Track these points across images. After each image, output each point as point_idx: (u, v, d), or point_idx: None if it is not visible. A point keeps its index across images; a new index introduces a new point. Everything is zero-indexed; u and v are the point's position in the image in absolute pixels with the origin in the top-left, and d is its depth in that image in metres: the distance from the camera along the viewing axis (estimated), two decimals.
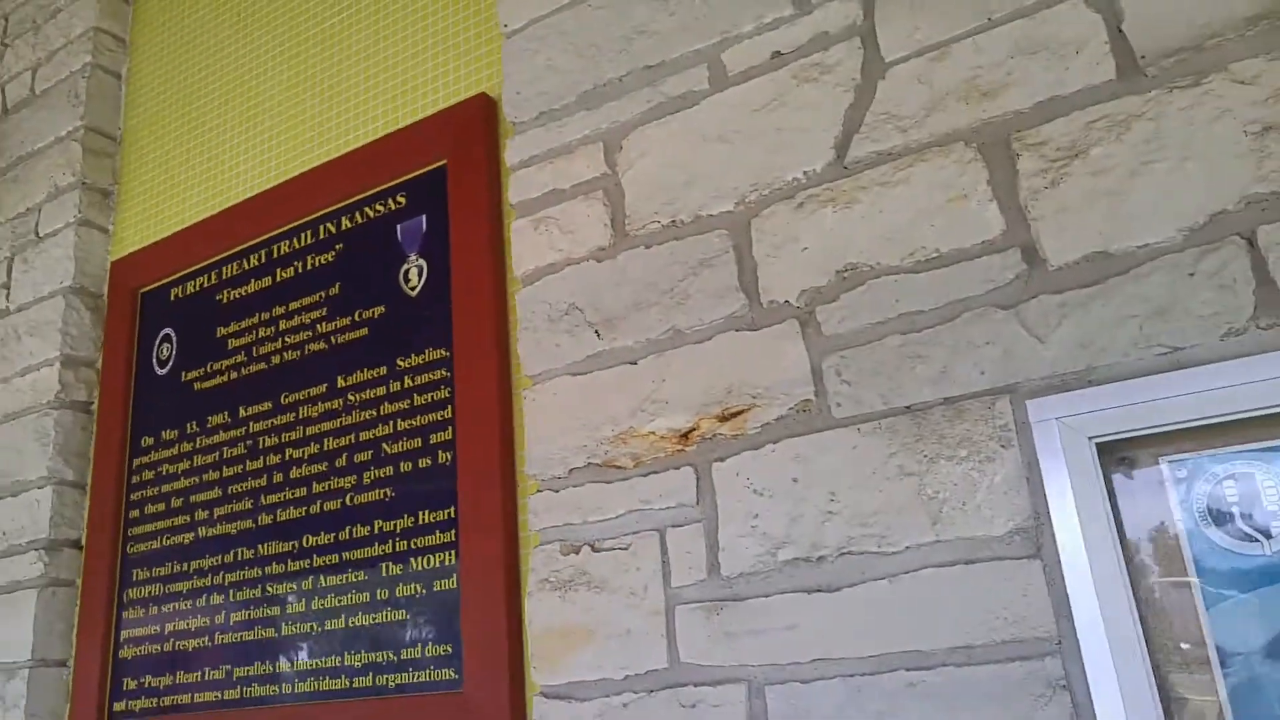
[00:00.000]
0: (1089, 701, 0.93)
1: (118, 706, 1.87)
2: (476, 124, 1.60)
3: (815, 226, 1.19)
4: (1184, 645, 0.93)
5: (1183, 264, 0.96)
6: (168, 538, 1.90)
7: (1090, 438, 0.98)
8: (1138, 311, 0.98)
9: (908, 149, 1.14)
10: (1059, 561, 0.97)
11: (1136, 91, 1.02)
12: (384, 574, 1.57)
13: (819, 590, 1.10)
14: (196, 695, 1.77)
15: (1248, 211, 0.94)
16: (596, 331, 1.34)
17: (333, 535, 1.65)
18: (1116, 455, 1.00)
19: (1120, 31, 1.04)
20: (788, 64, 1.25)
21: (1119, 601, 0.94)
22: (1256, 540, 0.92)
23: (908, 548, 1.05)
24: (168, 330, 2.03)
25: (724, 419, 1.21)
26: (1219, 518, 0.94)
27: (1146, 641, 0.94)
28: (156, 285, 2.08)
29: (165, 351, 2.02)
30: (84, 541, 2.02)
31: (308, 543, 1.69)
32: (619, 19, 1.42)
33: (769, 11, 1.28)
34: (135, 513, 1.97)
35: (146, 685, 1.84)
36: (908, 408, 1.08)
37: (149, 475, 1.97)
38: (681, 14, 1.36)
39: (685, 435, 1.23)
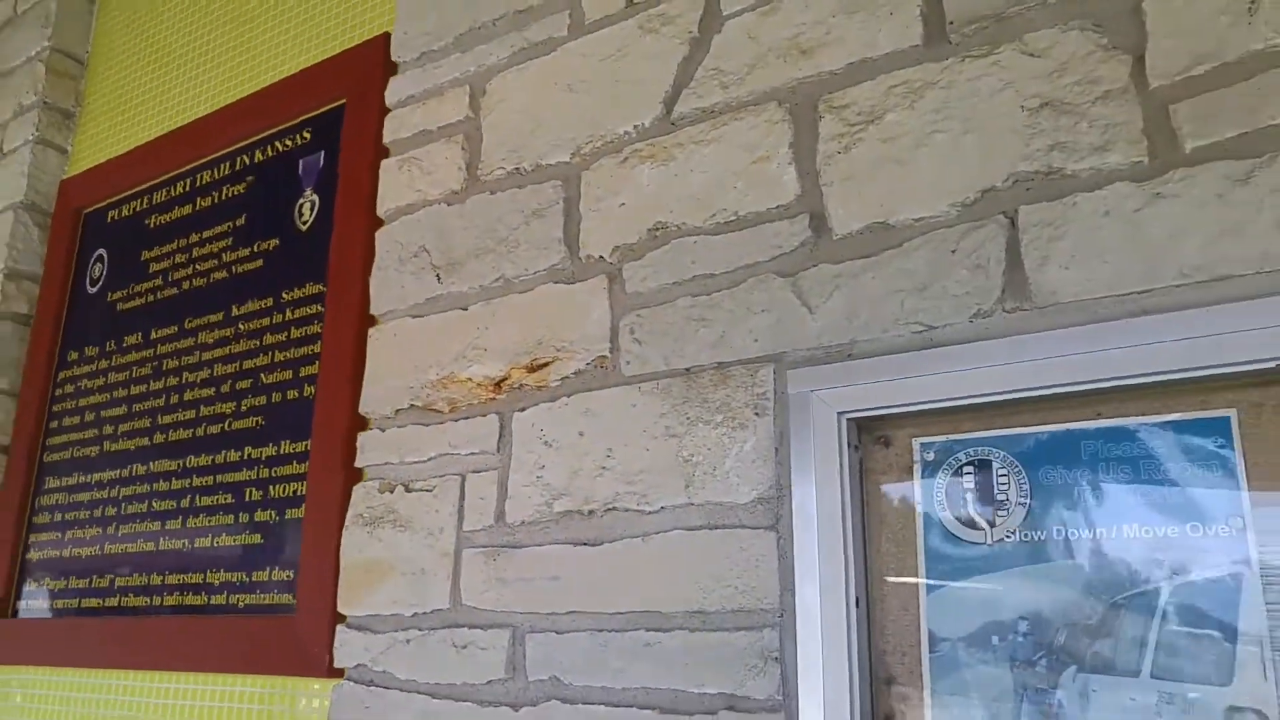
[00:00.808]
0: (794, 677, 0.92)
1: (19, 605, 1.97)
2: (375, 64, 1.63)
3: (634, 182, 1.19)
4: (897, 629, 0.92)
5: (948, 240, 0.94)
6: (78, 449, 1.99)
7: (840, 413, 0.97)
8: (903, 286, 0.96)
9: (727, 106, 1.13)
10: (792, 535, 0.96)
11: (937, 59, 0.99)
12: (247, 498, 1.63)
13: (584, 544, 1.11)
14: (83, 601, 1.85)
15: (1014, 189, 0.91)
16: (438, 275, 1.36)
17: (210, 458, 1.71)
18: (876, 433, 0.98)
19: None
20: (637, 13, 1.25)
21: (837, 579, 0.93)
22: (980, 529, 0.90)
23: (663, 508, 1.05)
24: (101, 251, 2.12)
25: (531, 370, 1.22)
26: (955, 502, 0.92)
27: (863, 623, 0.93)
28: (97, 207, 2.17)
29: (98, 271, 2.11)
30: (8, 446, 2.12)
31: (190, 464, 1.75)
32: None
33: None
34: (54, 424, 2.06)
35: (44, 587, 1.93)
36: (686, 370, 1.08)
37: (69, 389, 2.06)
38: None
39: (498, 384, 1.25)
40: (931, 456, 0.95)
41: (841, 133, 1.03)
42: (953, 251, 0.93)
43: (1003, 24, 0.96)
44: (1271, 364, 0.77)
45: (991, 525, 0.90)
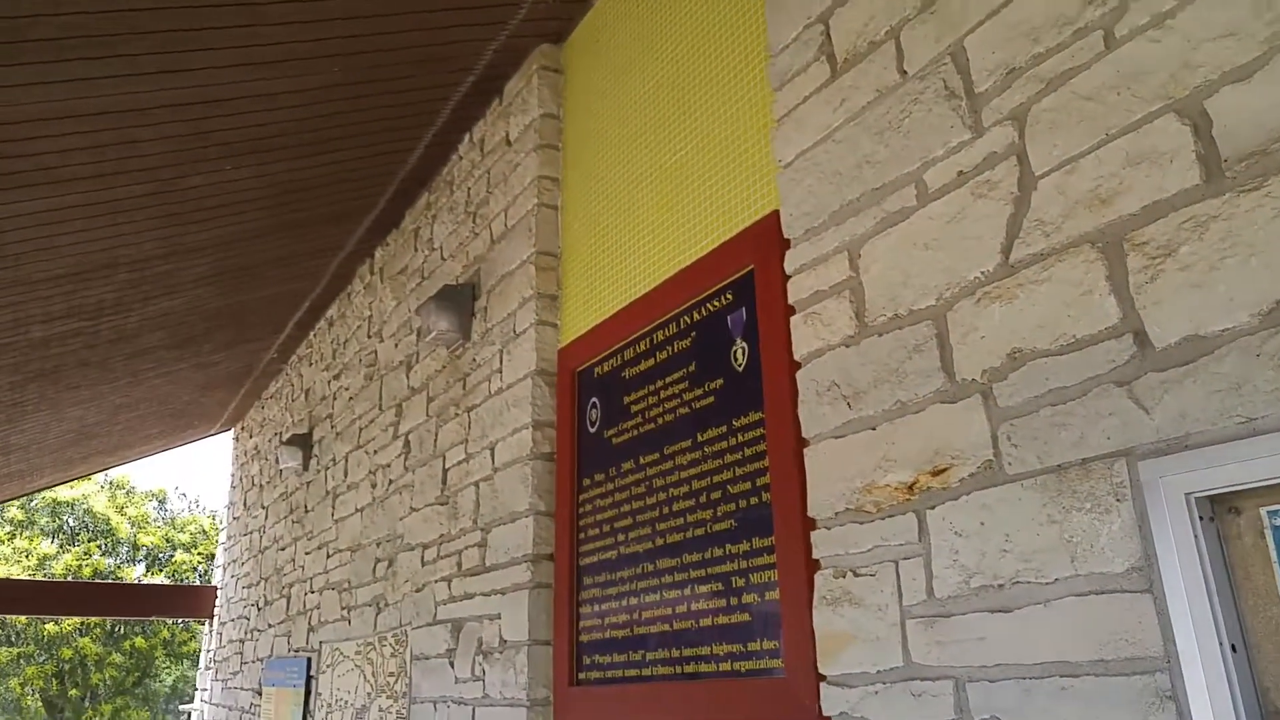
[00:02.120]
0: (1188, 711, 1.22)
1: (580, 675, 2.75)
2: (771, 236, 2.16)
3: (989, 318, 1.56)
4: (1276, 669, 1.17)
5: (1253, 345, 1.20)
6: (602, 554, 2.73)
7: (1188, 493, 1.25)
8: (1220, 387, 1.23)
9: (1051, 250, 1.47)
10: (1165, 595, 1.26)
11: (1217, 194, 1.26)
12: (733, 585, 2.20)
13: (999, 611, 1.48)
14: (625, 671, 2.55)
15: None
16: (848, 403, 1.82)
17: (700, 554, 2.32)
18: (1227, 505, 1.25)
19: (1212, 138, 1.28)
20: (967, 181, 1.63)
21: (1208, 628, 1.21)
22: None
23: (1056, 579, 1.40)
24: (594, 399, 2.89)
25: (934, 474, 1.63)
26: None
27: (1243, 664, 1.20)
28: (585, 366, 2.96)
29: (594, 415, 2.89)
30: (554, 555, 2.95)
31: (685, 560, 2.38)
32: (852, 151, 1.89)
33: (953, 137, 1.67)
34: (582, 535, 2.85)
35: (595, 661, 2.68)
36: (1057, 467, 1.42)
37: (588, 508, 2.83)
38: (894, 145, 1.79)
39: (910, 487, 1.67)
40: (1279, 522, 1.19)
41: (1146, 265, 1.33)
42: (1258, 355, 1.19)
43: (1269, 157, 1.21)
44: None
45: None
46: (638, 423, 2.66)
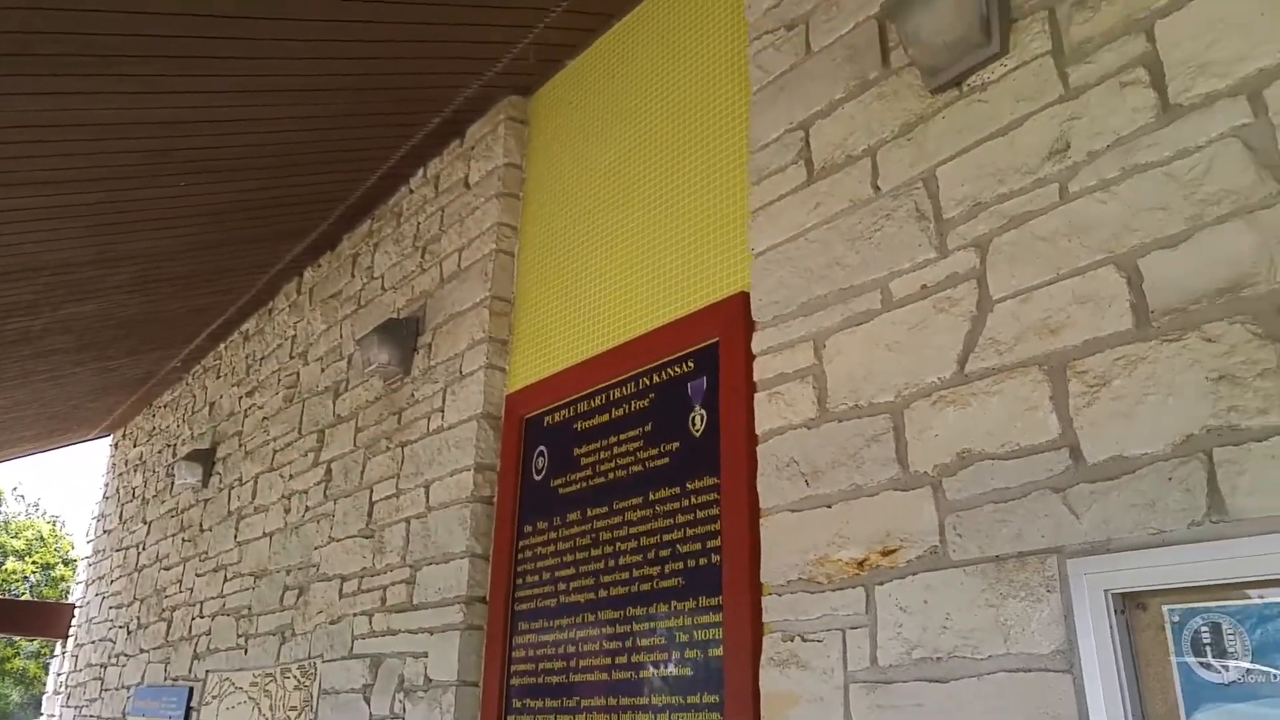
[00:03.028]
0: None
1: (509, 718, 2.91)
2: (737, 314, 2.41)
3: (943, 419, 1.83)
4: None
5: (1166, 470, 1.49)
6: (540, 601, 2.91)
7: (1105, 589, 1.53)
8: (1138, 502, 1.52)
9: (1003, 367, 1.75)
10: (1083, 675, 1.53)
11: (1145, 339, 1.56)
12: (677, 640, 2.41)
13: (937, 681, 1.73)
14: (557, 717, 2.73)
15: (1208, 436, 1.45)
16: (806, 480, 2.07)
17: (645, 609, 2.53)
18: (1135, 601, 1.54)
19: (1143, 291, 1.58)
20: (930, 295, 1.91)
21: (1117, 705, 1.48)
22: (1218, 671, 1.43)
23: (990, 656, 1.66)
24: (542, 447, 3.08)
25: (884, 554, 1.88)
26: (1198, 651, 1.45)
27: None
28: (535, 414, 3.15)
29: (540, 463, 3.07)
30: (488, 598, 3.11)
31: (629, 613, 2.58)
32: (824, 251, 2.15)
33: (920, 254, 1.95)
34: (520, 580, 3.02)
35: (526, 705, 2.85)
36: (996, 557, 1.69)
37: (528, 554, 3.01)
38: (864, 253, 2.06)
39: (860, 564, 1.92)
40: (1177, 619, 1.48)
41: (1084, 391, 1.62)
42: (1169, 478, 1.48)
43: (1187, 315, 1.51)
44: None
45: (1226, 668, 1.42)
46: (588, 475, 2.86)
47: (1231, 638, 1.42)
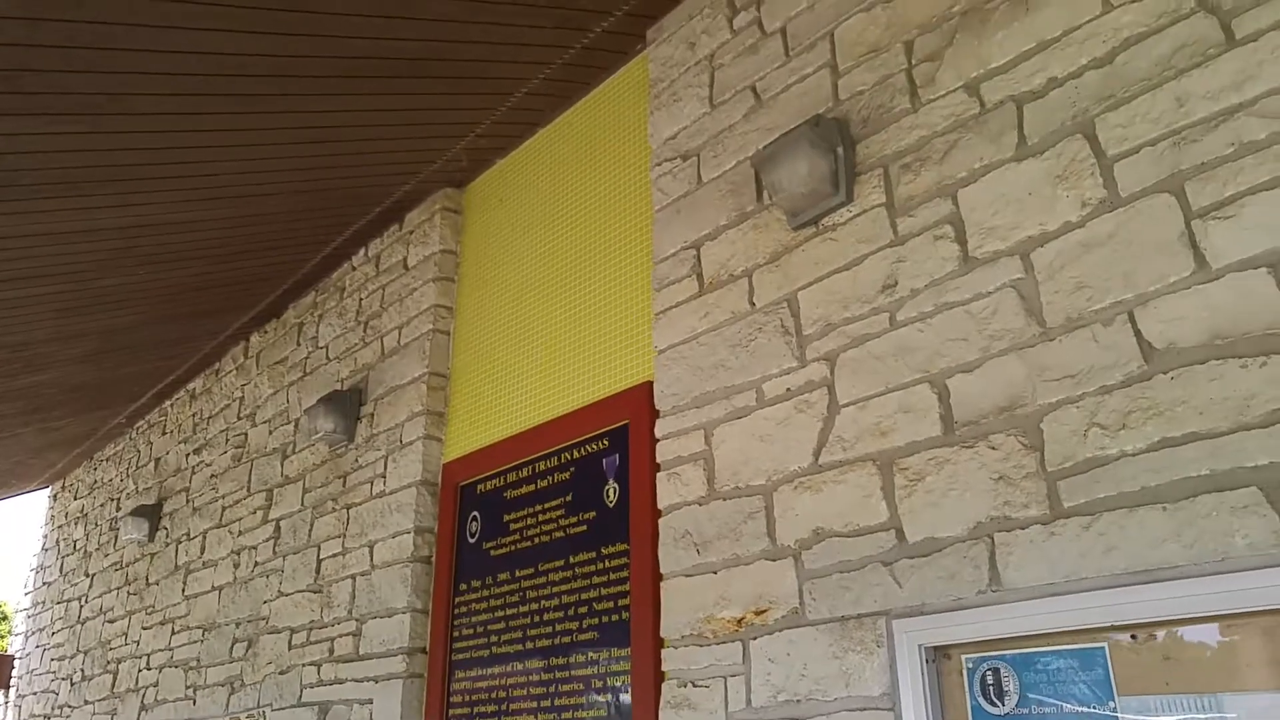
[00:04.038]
0: None
1: None
2: (644, 402, 2.81)
3: (802, 502, 2.24)
4: None
5: (961, 550, 1.91)
6: (474, 652, 3.26)
7: (919, 644, 1.94)
8: (943, 575, 1.93)
9: (846, 461, 2.17)
10: (902, 714, 1.94)
11: (950, 445, 1.98)
12: (593, 686, 2.78)
13: (795, 718, 2.13)
14: None
15: (991, 524, 1.88)
16: (697, 550, 2.46)
17: (565, 659, 2.90)
18: (942, 653, 1.95)
19: (950, 405, 2.01)
20: (793, 398, 2.32)
21: None
22: (998, 706, 1.84)
23: (835, 698, 2.06)
24: (475, 513, 3.44)
25: (757, 614, 2.28)
26: (985, 691, 1.86)
27: None
28: (469, 481, 3.50)
29: (474, 527, 3.43)
30: (428, 649, 3.44)
31: (552, 663, 2.94)
32: (711, 354, 2.56)
33: (785, 363, 2.37)
34: (456, 633, 3.36)
35: None
36: (841, 618, 2.10)
37: (463, 610, 3.35)
38: (744, 358, 2.48)
39: (739, 622, 2.32)
40: (971, 666, 1.90)
41: (906, 484, 2.04)
42: (965, 557, 1.90)
43: (979, 426, 1.94)
44: (1112, 623, 1.69)
45: (1003, 704, 1.83)
46: (516, 539, 3.23)
47: (1007, 680, 1.84)
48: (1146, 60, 1.88)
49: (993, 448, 1.92)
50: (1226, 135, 1.73)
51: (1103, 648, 1.73)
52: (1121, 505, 1.72)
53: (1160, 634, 1.69)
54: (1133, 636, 1.71)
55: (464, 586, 3.40)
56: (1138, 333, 1.77)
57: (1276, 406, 1.58)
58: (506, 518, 3.30)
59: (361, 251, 4.47)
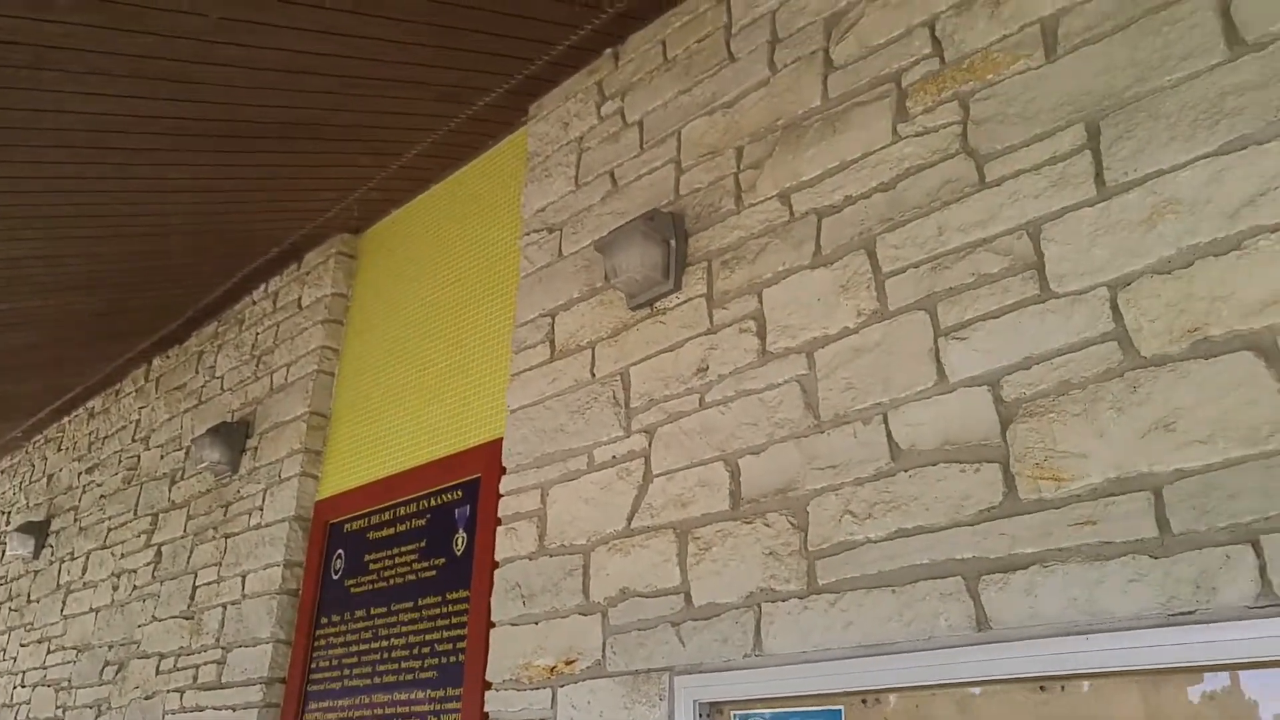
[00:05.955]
0: None
1: None
2: (495, 457, 3.01)
3: (614, 563, 2.45)
4: None
5: (732, 616, 2.13)
6: (328, 683, 3.40)
7: (695, 699, 2.16)
8: (716, 640, 2.16)
9: (653, 527, 2.39)
10: None
11: (735, 519, 2.21)
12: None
13: None
14: None
15: (760, 594, 2.11)
16: (524, 601, 2.66)
17: (408, 695, 3.06)
18: (716, 707, 2.17)
19: (739, 483, 2.24)
20: (616, 465, 2.54)
21: None
22: None
23: None
24: (340, 550, 3.60)
25: (567, 664, 2.48)
26: None
27: None
28: (338, 520, 3.67)
29: (338, 564, 3.58)
30: (286, 679, 3.58)
31: (395, 697, 3.11)
32: (554, 418, 2.78)
33: (613, 432, 2.59)
34: (314, 664, 3.51)
35: None
36: (634, 671, 2.30)
37: (323, 643, 3.50)
38: (579, 424, 2.70)
39: (551, 669, 2.51)
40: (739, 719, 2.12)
41: (697, 552, 2.26)
42: (737, 622, 2.13)
43: (760, 504, 2.17)
44: (847, 689, 1.92)
45: None
46: (374, 579, 3.39)
47: None
48: (919, 190, 2.15)
49: (768, 525, 2.15)
50: (970, 265, 2.00)
51: (839, 710, 1.97)
52: (861, 586, 1.96)
53: (893, 699, 1.93)
54: (863, 701, 1.94)
55: (325, 620, 3.55)
56: (889, 433, 2.03)
57: (984, 507, 1.83)
58: (368, 557, 3.46)
59: (262, 287, 4.64)
